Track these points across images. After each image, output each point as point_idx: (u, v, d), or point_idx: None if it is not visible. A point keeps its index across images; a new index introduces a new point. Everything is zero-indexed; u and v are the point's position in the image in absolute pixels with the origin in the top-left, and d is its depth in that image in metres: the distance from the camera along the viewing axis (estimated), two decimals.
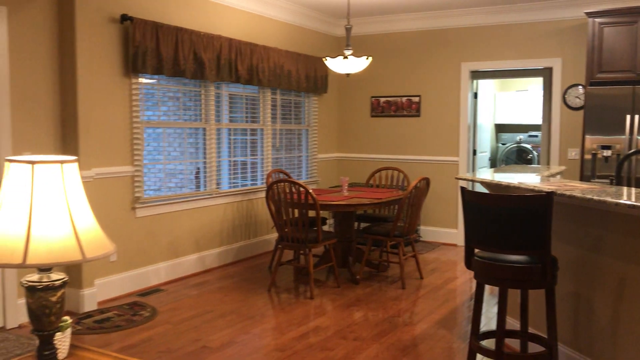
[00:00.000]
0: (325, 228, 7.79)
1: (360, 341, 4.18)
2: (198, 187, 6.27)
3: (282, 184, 5.33)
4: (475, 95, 7.82)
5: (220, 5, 6.20)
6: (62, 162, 1.84)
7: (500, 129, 10.40)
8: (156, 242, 5.58)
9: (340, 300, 5.16)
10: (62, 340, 2.18)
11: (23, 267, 1.74)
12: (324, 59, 6.00)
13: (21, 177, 1.80)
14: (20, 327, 4.36)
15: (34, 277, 1.89)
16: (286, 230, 5.34)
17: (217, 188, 6.35)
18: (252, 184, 6.93)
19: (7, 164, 1.83)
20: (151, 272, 5.52)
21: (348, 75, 6.04)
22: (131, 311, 4.76)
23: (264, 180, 6.95)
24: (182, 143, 6.08)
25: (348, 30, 5.91)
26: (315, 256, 5.97)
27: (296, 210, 5.86)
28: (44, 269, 1.90)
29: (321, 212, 6.47)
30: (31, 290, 1.88)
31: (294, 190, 5.31)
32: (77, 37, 4.60)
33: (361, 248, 6.20)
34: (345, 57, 5.80)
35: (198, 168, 6.30)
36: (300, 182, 5.72)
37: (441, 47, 7.63)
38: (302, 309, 4.91)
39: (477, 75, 7.63)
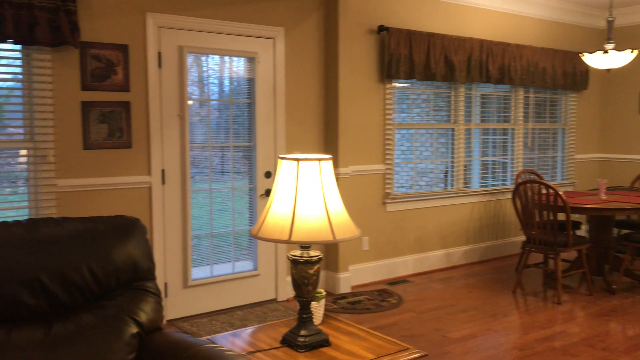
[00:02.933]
0: (580, 233, 7.34)
1: (610, 352, 3.97)
2: (446, 185, 6.48)
3: (530, 184, 5.25)
4: None
5: (472, 7, 6.31)
6: (319, 159, 2.24)
7: None
8: (404, 236, 5.95)
9: (591, 309, 4.90)
10: (318, 309, 2.61)
11: (289, 242, 2.17)
12: (580, 55, 5.72)
13: (289, 171, 2.24)
14: (287, 300, 5.10)
15: (297, 252, 2.33)
16: (533, 232, 5.24)
17: (465, 187, 6.48)
18: (502, 184, 6.89)
19: (279, 160, 2.30)
20: (399, 263, 5.91)
21: (609, 70, 5.65)
22: (380, 297, 5.19)
23: (513, 181, 6.85)
24: (433, 143, 6.35)
25: (610, 22, 5.53)
26: (566, 261, 5.73)
27: (544, 213, 5.69)
28: (304, 246, 2.33)
29: (575, 215, 6.15)
30: (294, 263, 2.32)
31: (542, 191, 5.19)
32: (340, 49, 5.18)
33: (620, 256, 5.75)
34: (606, 52, 5.45)
35: (447, 167, 6.51)
36: (551, 183, 5.54)
37: None
38: (548, 313, 4.80)
39: None
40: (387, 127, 5.73)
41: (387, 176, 5.77)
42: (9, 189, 4.25)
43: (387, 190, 5.77)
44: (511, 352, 3.98)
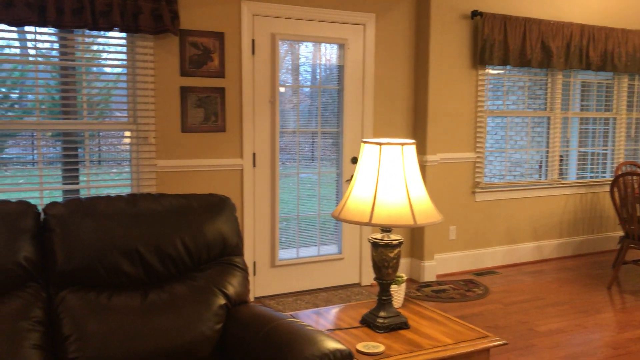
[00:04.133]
0: None
1: None
2: (540, 176, 6.25)
3: (630, 177, 4.97)
4: None
5: None
6: (402, 144, 2.26)
7: None
8: (493, 227, 5.82)
9: None
10: (398, 292, 2.64)
11: (369, 225, 2.21)
12: None
13: (372, 155, 2.28)
14: (371, 285, 5.15)
15: (378, 235, 2.37)
16: (632, 227, 4.97)
17: (560, 178, 6.23)
18: (601, 176, 6.56)
19: (362, 144, 2.34)
20: (487, 254, 5.80)
21: None
22: (465, 287, 5.13)
23: (613, 173, 6.50)
24: (528, 132, 6.14)
25: None
26: None
27: None
28: (385, 230, 2.36)
29: None
30: (375, 246, 2.36)
31: None
32: (431, 35, 5.12)
33: None
34: None
35: (541, 157, 6.27)
36: None
37: None
38: None
39: None
40: (479, 114, 5.61)
41: (478, 165, 5.65)
42: (114, 169, 4.57)
43: (477, 180, 5.66)
44: (602, 350, 3.82)
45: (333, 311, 2.68)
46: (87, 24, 3.74)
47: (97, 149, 4.29)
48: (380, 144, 2.25)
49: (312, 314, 2.65)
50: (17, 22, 3.58)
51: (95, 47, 4.26)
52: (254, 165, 4.65)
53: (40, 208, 2.22)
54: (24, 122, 4.03)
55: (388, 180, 2.22)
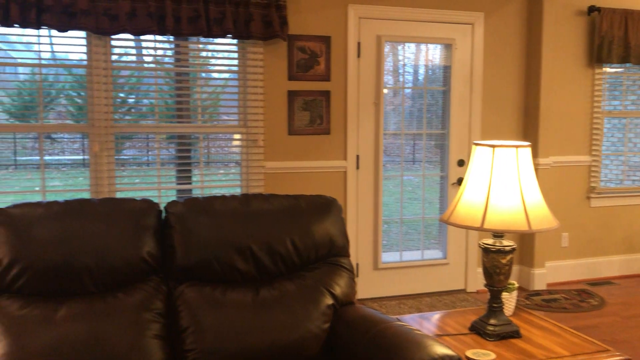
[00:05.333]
0: None
1: None
2: None
3: None
4: None
5: None
6: (517, 146, 2.18)
7: None
8: (610, 234, 5.47)
9: None
10: (509, 300, 2.55)
11: (481, 230, 2.15)
12: None
13: (484, 157, 2.22)
14: (477, 292, 5.00)
15: (489, 241, 2.30)
16: None
17: None
18: None
19: (474, 146, 2.28)
20: (603, 263, 5.46)
21: None
22: (578, 297, 4.86)
23: None
24: None
25: None
26: None
27: None
28: (497, 235, 2.29)
29: None
30: (486, 251, 2.29)
31: None
32: (544, 32, 4.90)
33: None
34: None
35: None
36: None
37: None
38: None
39: None
40: (595, 115, 5.30)
41: (593, 169, 5.34)
42: (221, 170, 4.76)
43: (593, 184, 5.34)
44: None
45: (439, 316, 2.64)
46: (202, 32, 3.93)
47: (205, 150, 4.49)
48: (493, 146, 2.19)
49: (418, 317, 2.63)
50: (140, 31, 3.82)
51: (205, 54, 4.47)
52: (357, 167, 4.66)
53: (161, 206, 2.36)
54: (142, 125, 4.29)
55: (501, 184, 2.15)
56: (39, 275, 2.07)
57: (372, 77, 4.62)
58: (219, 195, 2.47)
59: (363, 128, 4.64)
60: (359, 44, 4.55)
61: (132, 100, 4.55)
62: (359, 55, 4.56)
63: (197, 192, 4.38)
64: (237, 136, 4.46)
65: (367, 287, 4.77)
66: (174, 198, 4.28)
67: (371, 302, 4.69)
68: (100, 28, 3.74)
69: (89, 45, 3.92)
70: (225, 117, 4.60)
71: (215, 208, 2.35)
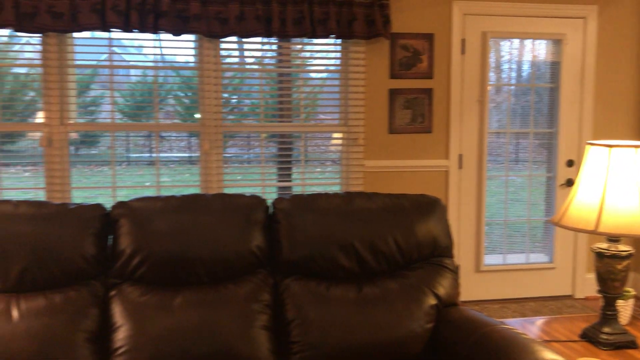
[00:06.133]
0: None
1: None
2: None
3: None
4: None
5: None
6: (636, 146, 2.07)
7: None
8: None
9: None
10: (625, 308, 2.42)
11: (595, 233, 2.06)
12: None
13: (599, 158, 2.12)
14: (586, 298, 4.76)
15: (604, 245, 2.20)
16: None
17: None
18: None
19: (587, 146, 2.19)
20: None
21: None
22: None
23: None
24: None
25: None
26: None
27: None
28: (613, 239, 2.18)
29: None
30: (599, 256, 2.19)
31: None
32: None
33: None
34: None
35: None
36: None
37: None
38: None
39: None
40: None
41: None
42: (318, 169, 4.84)
43: None
44: None
45: (546, 321, 2.55)
46: (307, 33, 4.01)
47: (304, 149, 4.59)
48: (609, 145, 2.08)
49: (522, 322, 2.55)
50: (248, 34, 3.97)
51: (307, 54, 4.55)
52: (460, 167, 4.58)
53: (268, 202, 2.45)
54: (248, 124, 4.45)
55: (618, 186, 2.05)
56: (158, 265, 2.22)
57: (477, 74, 4.52)
58: (323, 192, 2.53)
59: (466, 126, 4.55)
60: (463, 40, 4.47)
61: (235, 100, 4.72)
62: (463, 52, 4.48)
63: (297, 190, 4.48)
64: (336, 135, 4.51)
65: (469, 289, 4.68)
66: (275, 195, 4.43)
67: (472, 305, 4.59)
68: (212, 31, 3.92)
69: (200, 47, 4.12)
70: (322, 116, 4.67)
71: (320, 205, 2.41)
